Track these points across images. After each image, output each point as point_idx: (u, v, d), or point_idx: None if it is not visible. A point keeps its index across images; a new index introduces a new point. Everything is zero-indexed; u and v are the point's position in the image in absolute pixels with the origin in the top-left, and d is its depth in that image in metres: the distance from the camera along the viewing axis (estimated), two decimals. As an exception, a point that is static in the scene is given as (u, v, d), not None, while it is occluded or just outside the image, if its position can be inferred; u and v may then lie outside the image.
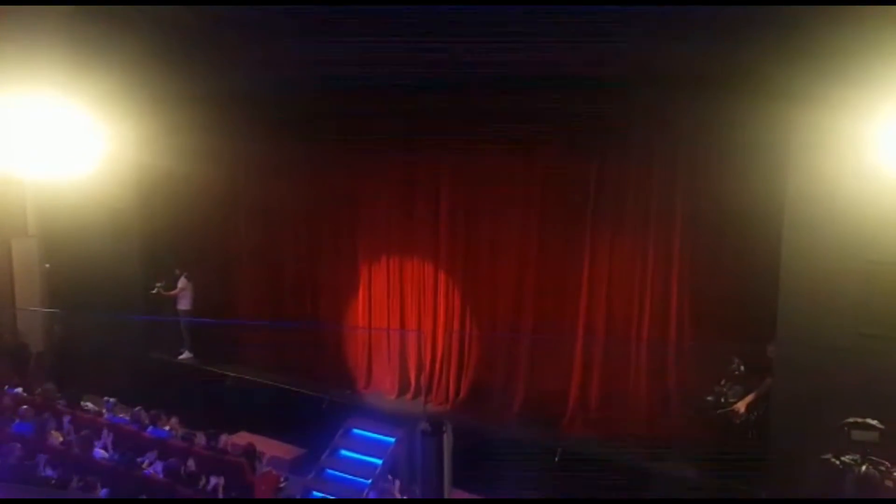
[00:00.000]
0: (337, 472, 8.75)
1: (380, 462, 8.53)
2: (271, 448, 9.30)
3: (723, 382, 7.70)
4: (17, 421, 8.24)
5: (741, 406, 7.48)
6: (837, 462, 5.78)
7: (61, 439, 7.97)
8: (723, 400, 7.61)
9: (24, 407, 8.50)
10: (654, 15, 6.81)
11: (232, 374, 10.90)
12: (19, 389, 9.49)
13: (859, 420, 5.78)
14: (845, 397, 6.33)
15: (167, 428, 8.35)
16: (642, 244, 8.70)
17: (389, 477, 8.34)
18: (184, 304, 11.56)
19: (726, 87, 7.07)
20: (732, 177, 7.57)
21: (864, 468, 5.69)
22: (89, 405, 9.19)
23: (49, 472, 7.07)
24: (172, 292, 11.51)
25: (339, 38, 8.03)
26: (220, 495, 7.09)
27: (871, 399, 6.14)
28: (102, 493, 6.63)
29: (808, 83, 6.28)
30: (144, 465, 7.39)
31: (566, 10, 6.91)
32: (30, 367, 11.33)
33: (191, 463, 7.38)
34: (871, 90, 5.99)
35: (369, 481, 8.39)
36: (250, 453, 7.73)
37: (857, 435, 5.77)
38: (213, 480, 7.14)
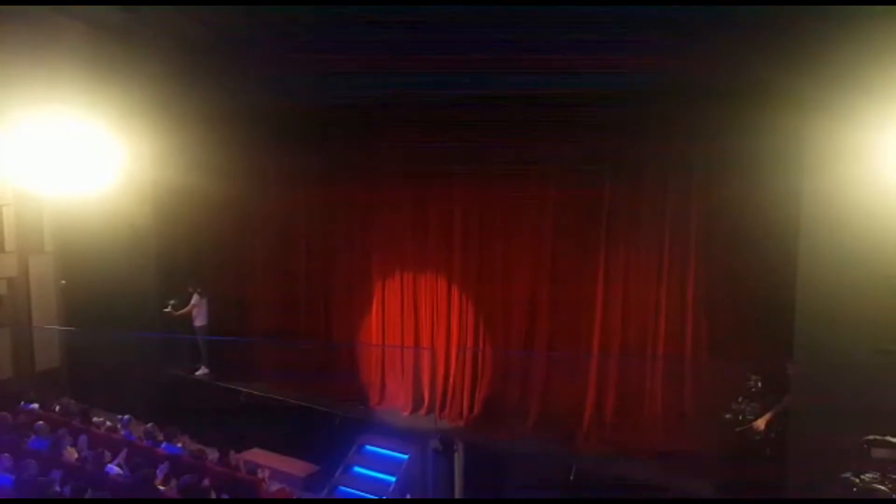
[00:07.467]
0: (350, 490, 8.73)
1: (393, 479, 8.50)
2: (285, 465, 9.28)
3: (740, 399, 7.60)
4: (33, 437, 8.27)
5: (761, 423, 7.35)
6: (857, 481, 5.68)
7: (77, 456, 7.98)
8: (741, 417, 7.51)
9: (40, 423, 8.53)
10: (666, 26, 6.80)
11: (245, 391, 10.90)
12: (35, 405, 9.54)
13: (879, 437, 5.68)
14: (864, 414, 6.21)
15: (179, 444, 8.34)
16: (657, 259, 8.64)
17: (408, 496, 8.30)
18: (200, 321, 11.60)
19: (740, 98, 7.04)
20: (747, 190, 7.51)
21: (884, 487, 5.58)
22: (101, 420, 9.20)
23: (63, 488, 7.07)
24: (182, 311, 11.54)
25: (353, 55, 8.09)
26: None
27: (891, 416, 6.03)
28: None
29: (824, 94, 6.22)
30: (157, 482, 7.37)
31: (579, 26, 6.93)
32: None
33: (205, 481, 7.35)
34: (888, 100, 5.94)
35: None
36: (253, 473, 7.69)
37: (877, 453, 5.67)
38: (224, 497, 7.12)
